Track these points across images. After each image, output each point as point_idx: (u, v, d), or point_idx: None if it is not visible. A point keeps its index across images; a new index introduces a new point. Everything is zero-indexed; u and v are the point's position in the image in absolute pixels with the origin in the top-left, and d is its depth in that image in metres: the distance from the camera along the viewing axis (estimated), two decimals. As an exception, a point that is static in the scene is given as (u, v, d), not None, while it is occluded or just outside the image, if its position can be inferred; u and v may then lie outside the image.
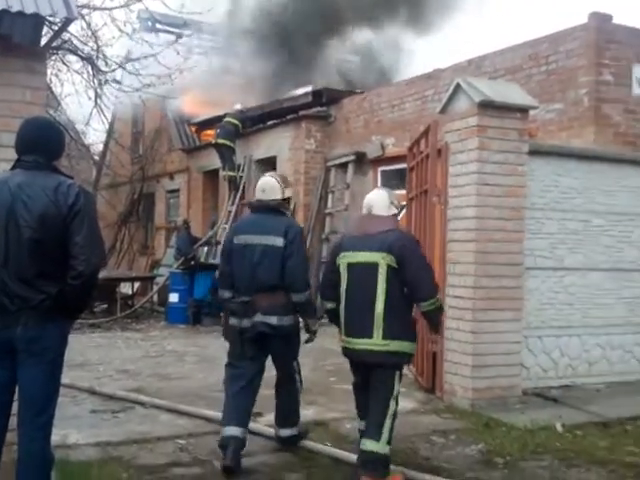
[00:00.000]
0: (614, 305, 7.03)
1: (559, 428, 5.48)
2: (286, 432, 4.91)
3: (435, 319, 4.57)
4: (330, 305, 4.59)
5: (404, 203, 4.73)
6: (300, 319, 4.88)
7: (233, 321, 4.78)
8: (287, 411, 4.91)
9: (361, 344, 4.34)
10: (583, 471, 4.62)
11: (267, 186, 4.92)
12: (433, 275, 4.54)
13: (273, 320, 4.67)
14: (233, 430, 4.59)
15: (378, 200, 4.58)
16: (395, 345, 4.30)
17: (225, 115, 14.99)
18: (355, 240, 4.49)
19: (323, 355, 8.56)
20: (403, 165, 8.70)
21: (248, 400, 4.76)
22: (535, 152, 6.50)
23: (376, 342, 4.29)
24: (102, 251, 3.61)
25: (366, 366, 4.40)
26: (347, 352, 4.49)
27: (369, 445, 4.24)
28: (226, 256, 4.90)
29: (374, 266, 4.31)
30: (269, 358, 4.90)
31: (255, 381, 4.81)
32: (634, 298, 7.14)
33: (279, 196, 4.90)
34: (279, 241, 4.68)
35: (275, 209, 4.86)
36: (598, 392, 6.70)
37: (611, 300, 7.02)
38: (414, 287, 4.32)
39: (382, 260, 4.30)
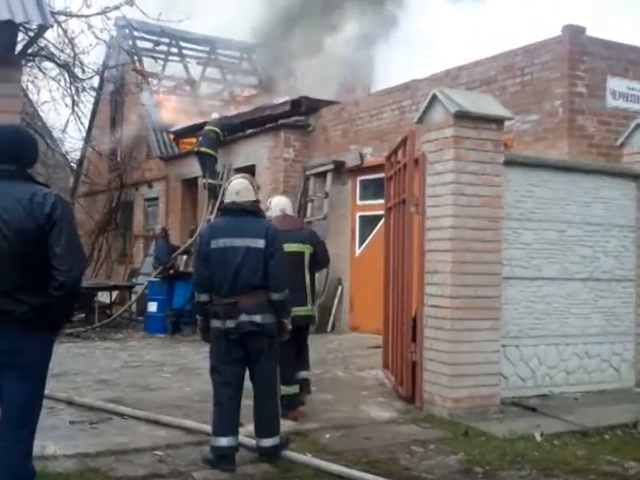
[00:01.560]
0: (590, 314, 7.11)
1: (538, 437, 5.52)
2: (268, 442, 4.89)
3: None
4: None
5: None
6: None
7: (216, 323, 4.81)
8: (268, 421, 4.91)
9: (301, 311, 5.95)
10: (561, 480, 4.67)
11: (241, 188, 4.97)
12: None
13: (257, 318, 4.74)
14: (230, 440, 4.74)
15: (288, 204, 6.61)
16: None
17: (205, 123, 14.97)
18: (284, 234, 5.57)
19: (302, 364, 8.56)
20: (381, 174, 8.76)
21: (237, 410, 4.84)
22: (511, 163, 6.58)
23: (308, 308, 6.24)
24: (83, 260, 3.56)
25: (298, 328, 5.83)
26: None
27: (295, 389, 6.04)
28: (203, 260, 4.89)
29: (302, 254, 6.21)
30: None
31: (240, 390, 4.86)
32: (610, 308, 7.24)
33: (253, 198, 4.97)
34: (260, 242, 4.77)
35: (251, 211, 4.92)
36: (576, 401, 6.76)
37: (587, 310, 7.10)
38: (320, 266, 6.70)
39: (306, 250, 6.25)
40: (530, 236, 6.79)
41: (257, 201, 5.04)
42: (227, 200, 5.04)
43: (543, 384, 6.85)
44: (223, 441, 4.74)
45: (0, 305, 3.31)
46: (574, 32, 8.54)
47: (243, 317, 4.72)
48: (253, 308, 4.74)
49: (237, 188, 4.97)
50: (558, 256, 6.95)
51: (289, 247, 5.82)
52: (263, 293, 4.79)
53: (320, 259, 6.43)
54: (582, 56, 8.52)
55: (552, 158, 7.69)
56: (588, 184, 7.14)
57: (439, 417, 6.07)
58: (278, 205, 6.42)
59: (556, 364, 6.93)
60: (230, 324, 4.74)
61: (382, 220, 8.87)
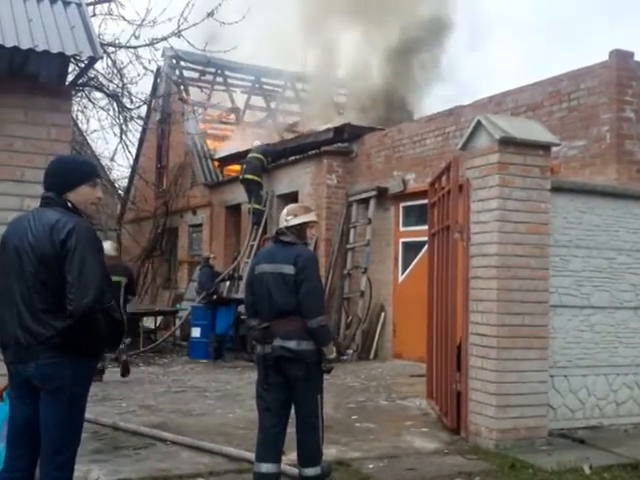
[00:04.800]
0: (641, 344, 6.92)
1: (587, 470, 5.36)
2: (310, 472, 4.83)
3: None
4: None
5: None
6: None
7: (258, 348, 4.91)
8: (310, 450, 4.85)
9: None
10: (612, 516, 4.52)
11: (280, 217, 5.12)
12: None
13: (292, 344, 4.72)
14: (270, 467, 4.71)
15: (110, 248, 8.39)
16: None
17: (248, 151, 15.13)
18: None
19: (345, 393, 8.50)
20: (424, 201, 8.71)
21: (280, 437, 4.81)
22: (558, 189, 6.47)
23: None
24: (98, 290, 3.35)
25: None
26: None
27: None
28: (248, 285, 5.07)
29: (119, 283, 9.30)
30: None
31: (284, 417, 4.83)
32: (662, 337, 7.02)
33: (283, 225, 5.02)
34: (288, 269, 4.77)
35: (281, 239, 4.97)
36: (626, 433, 6.57)
37: (638, 339, 6.90)
38: (132, 292, 10.12)
39: (122, 280, 9.27)
40: (578, 263, 6.65)
41: (291, 227, 4.95)
42: None
43: (592, 415, 6.66)
44: (263, 467, 4.72)
45: (30, 327, 3.36)
46: (622, 57, 8.43)
47: (277, 342, 4.75)
48: (287, 334, 4.74)
49: (279, 218, 5.13)
50: (608, 284, 6.79)
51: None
52: (299, 319, 4.75)
53: (131, 287, 9.92)
54: (630, 81, 8.39)
55: (600, 184, 7.54)
56: (638, 210, 6.98)
57: (485, 448, 5.94)
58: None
59: (606, 395, 6.74)
60: (267, 349, 4.79)
61: (425, 246, 8.80)
